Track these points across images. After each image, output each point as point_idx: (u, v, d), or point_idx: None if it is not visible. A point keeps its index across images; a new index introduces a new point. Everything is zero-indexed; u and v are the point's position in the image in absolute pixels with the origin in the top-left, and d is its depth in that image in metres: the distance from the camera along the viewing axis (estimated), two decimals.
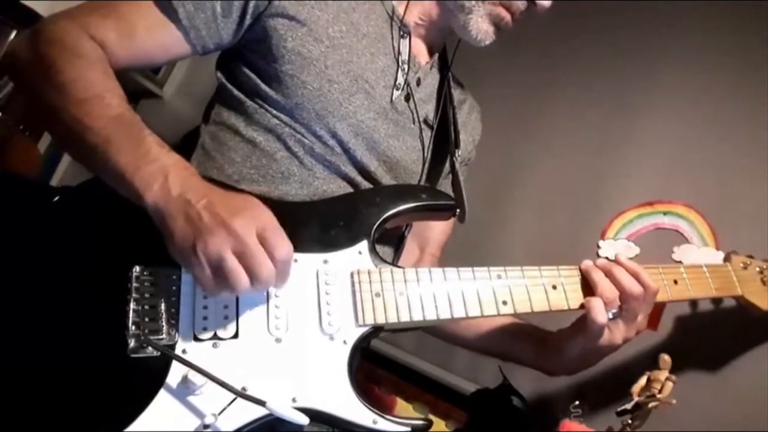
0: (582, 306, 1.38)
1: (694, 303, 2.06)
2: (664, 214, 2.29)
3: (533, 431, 2.13)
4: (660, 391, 1.53)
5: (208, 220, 1.07)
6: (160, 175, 1.12)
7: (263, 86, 1.44)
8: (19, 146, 2.71)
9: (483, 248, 2.46)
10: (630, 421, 1.58)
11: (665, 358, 1.58)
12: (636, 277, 1.39)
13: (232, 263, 1.06)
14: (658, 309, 2.12)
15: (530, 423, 2.10)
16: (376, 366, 2.44)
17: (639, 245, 2.26)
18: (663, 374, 1.56)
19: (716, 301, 2.00)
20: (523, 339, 1.58)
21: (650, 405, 1.53)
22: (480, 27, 1.56)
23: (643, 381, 1.58)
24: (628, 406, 1.55)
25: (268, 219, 1.12)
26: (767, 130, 2.21)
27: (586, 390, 2.08)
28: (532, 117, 2.68)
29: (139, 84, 3.21)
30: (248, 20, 1.43)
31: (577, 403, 1.81)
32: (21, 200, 1.31)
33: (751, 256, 1.76)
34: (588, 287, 1.40)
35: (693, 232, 2.22)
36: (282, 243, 1.10)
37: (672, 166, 2.33)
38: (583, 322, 1.39)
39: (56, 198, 1.29)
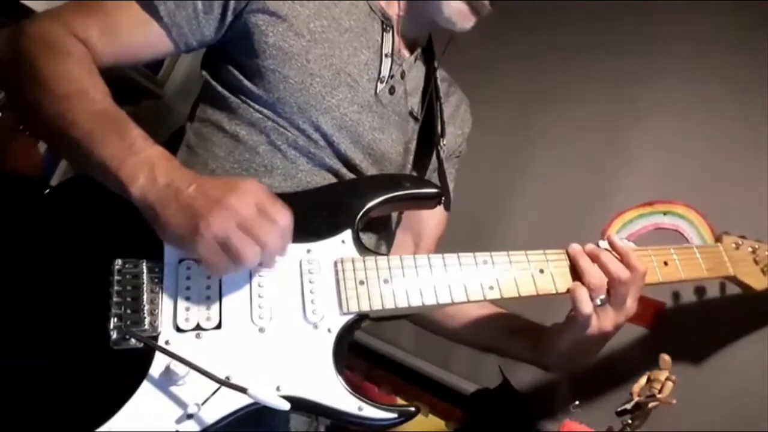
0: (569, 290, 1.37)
1: (693, 302, 2.05)
2: (664, 214, 2.29)
3: (533, 431, 2.12)
4: (660, 391, 1.53)
5: (204, 202, 1.08)
6: (146, 166, 1.12)
7: (246, 82, 1.45)
8: (19, 146, 2.73)
9: (482, 249, 2.46)
10: (630, 421, 1.57)
11: (665, 358, 1.57)
12: (625, 258, 1.38)
13: (240, 237, 1.07)
14: (657, 308, 2.12)
15: (530, 423, 2.10)
16: (376, 366, 2.45)
17: (639, 245, 2.24)
18: (663, 374, 1.56)
19: (703, 293, 2.00)
20: (518, 333, 1.57)
21: (650, 405, 1.53)
22: (452, 7, 1.54)
23: (643, 381, 1.58)
24: (628, 406, 1.55)
25: (261, 191, 1.13)
26: (767, 130, 2.20)
27: (586, 390, 2.07)
28: (533, 117, 2.69)
29: (139, 84, 3.24)
30: (229, 17, 1.44)
31: (577, 403, 1.81)
32: (12, 197, 1.31)
33: (743, 236, 1.74)
34: (576, 271, 1.38)
35: (693, 232, 2.21)
36: (281, 211, 1.13)
37: (672, 166, 2.33)
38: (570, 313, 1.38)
39: (46, 192, 1.30)
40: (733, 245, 1.70)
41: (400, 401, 2.35)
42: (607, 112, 2.54)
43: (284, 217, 1.13)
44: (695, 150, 2.30)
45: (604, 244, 1.43)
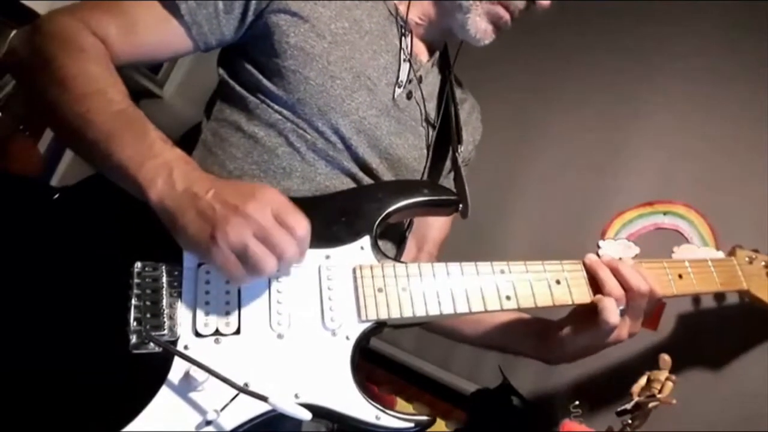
0: (591, 302, 1.38)
1: (694, 302, 2.07)
2: (664, 214, 2.30)
3: (533, 431, 2.12)
4: (660, 391, 1.53)
5: (222, 210, 1.06)
6: (164, 170, 1.11)
7: (265, 82, 1.44)
8: (19, 146, 2.71)
9: (483, 249, 2.46)
10: (630, 421, 1.57)
11: (665, 358, 1.57)
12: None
13: (257, 247, 1.06)
14: (658, 309, 2.13)
15: (530, 423, 2.10)
16: (376, 366, 2.44)
17: (639, 245, 2.26)
18: (663, 374, 1.56)
19: (718, 299, 2.00)
20: (524, 332, 1.58)
21: (650, 405, 1.53)
22: (478, 26, 1.55)
23: (643, 381, 1.58)
24: (628, 406, 1.55)
25: (279, 199, 1.12)
26: (767, 130, 2.22)
27: (586, 390, 2.08)
28: (533, 117, 2.69)
29: (139, 84, 3.21)
30: (250, 16, 1.42)
31: (577, 403, 1.81)
32: (20, 199, 1.30)
33: (756, 251, 1.75)
34: (592, 282, 1.40)
35: (693, 232, 2.22)
36: (299, 220, 1.11)
37: (672, 166, 2.34)
38: (583, 315, 1.39)
39: (56, 196, 1.28)
40: (747, 259, 1.71)
41: (400, 401, 2.35)
42: (607, 112, 2.55)
43: (302, 227, 1.11)
44: (695, 150, 2.31)
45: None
